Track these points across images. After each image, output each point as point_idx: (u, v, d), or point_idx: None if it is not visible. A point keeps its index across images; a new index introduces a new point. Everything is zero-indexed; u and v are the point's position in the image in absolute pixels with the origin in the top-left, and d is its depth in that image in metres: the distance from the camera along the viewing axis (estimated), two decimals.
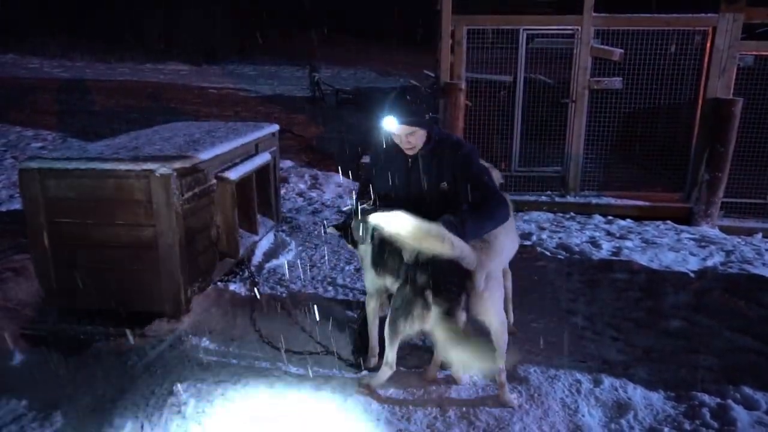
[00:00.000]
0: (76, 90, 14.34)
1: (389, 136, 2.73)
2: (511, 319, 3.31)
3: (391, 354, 2.58)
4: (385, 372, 2.63)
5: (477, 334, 2.46)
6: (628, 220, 5.91)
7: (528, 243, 4.87)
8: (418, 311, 2.39)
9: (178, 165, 3.00)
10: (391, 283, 2.70)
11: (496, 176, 3.17)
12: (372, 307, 2.94)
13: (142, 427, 2.44)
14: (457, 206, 2.63)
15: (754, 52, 5.92)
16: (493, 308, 2.51)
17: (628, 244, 4.89)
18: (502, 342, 2.55)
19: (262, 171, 4.21)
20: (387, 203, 2.79)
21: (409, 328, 2.45)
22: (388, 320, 2.54)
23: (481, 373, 2.75)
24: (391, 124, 2.60)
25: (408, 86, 2.93)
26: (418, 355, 3.01)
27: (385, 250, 2.65)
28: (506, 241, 2.77)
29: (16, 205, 5.51)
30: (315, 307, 3.32)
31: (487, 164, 3.13)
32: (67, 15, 24.39)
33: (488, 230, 2.59)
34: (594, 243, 4.90)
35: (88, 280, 3.13)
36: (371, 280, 2.87)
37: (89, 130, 9.52)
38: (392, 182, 2.82)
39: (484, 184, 2.64)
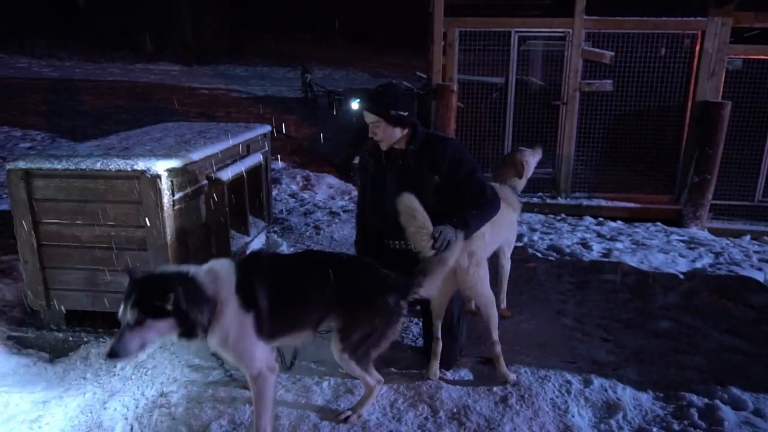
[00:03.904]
0: (65, 90, 14.24)
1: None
2: (504, 303, 3.50)
3: (371, 376, 2.44)
4: (374, 391, 2.49)
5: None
6: (619, 221, 5.94)
7: (519, 244, 4.88)
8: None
9: (168, 165, 2.98)
10: (297, 338, 2.42)
11: None
12: (271, 386, 2.27)
13: (131, 429, 2.43)
14: (447, 198, 2.73)
15: (743, 56, 5.98)
16: (479, 284, 2.69)
17: (619, 245, 4.92)
18: (492, 315, 2.74)
19: (254, 172, 4.19)
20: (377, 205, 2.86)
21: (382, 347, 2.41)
22: (347, 354, 2.34)
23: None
24: (356, 107, 2.71)
25: (389, 83, 2.98)
26: (409, 355, 3.02)
27: (291, 295, 2.28)
28: (487, 226, 2.84)
29: (5, 206, 5.45)
30: None
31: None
32: (56, 14, 24.21)
33: (486, 221, 2.75)
34: (585, 244, 4.93)
35: (77, 281, 3.11)
36: (262, 349, 2.22)
37: (78, 130, 9.45)
38: (383, 182, 2.86)
39: (477, 180, 2.77)
